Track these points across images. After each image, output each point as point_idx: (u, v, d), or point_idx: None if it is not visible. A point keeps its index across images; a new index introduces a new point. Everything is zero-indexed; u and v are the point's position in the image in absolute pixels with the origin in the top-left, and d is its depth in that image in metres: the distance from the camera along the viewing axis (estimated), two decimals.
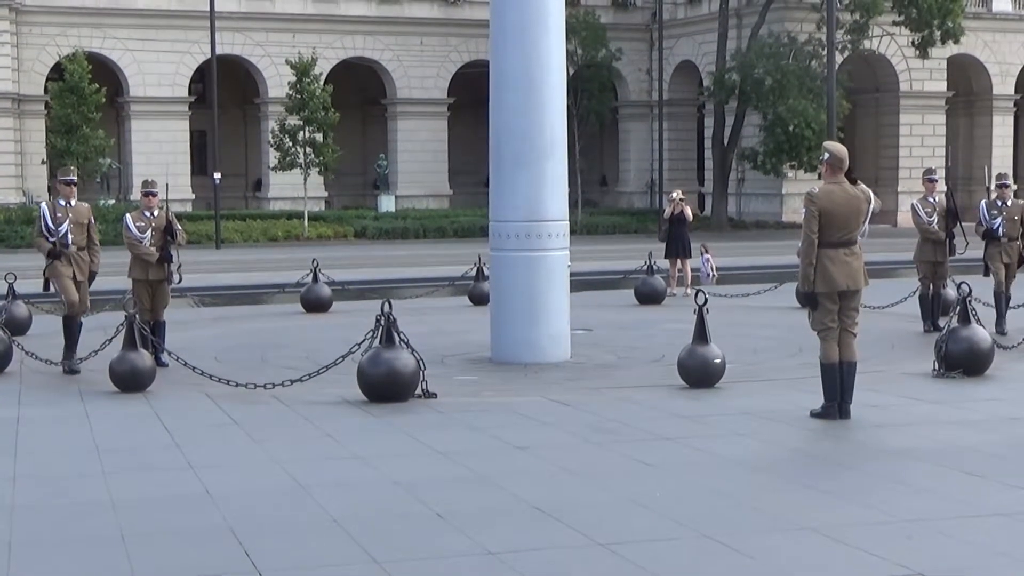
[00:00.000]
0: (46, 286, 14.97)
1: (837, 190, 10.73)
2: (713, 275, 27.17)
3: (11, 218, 45.15)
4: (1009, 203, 17.08)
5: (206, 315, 21.98)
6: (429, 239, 47.15)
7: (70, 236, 14.49)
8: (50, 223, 14.50)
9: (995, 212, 17.02)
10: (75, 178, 15.09)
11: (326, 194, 54.83)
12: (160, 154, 52.49)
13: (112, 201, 50.67)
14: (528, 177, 15.11)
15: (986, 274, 17.25)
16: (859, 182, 10.91)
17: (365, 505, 8.05)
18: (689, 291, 23.19)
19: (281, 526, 7.58)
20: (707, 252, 27.42)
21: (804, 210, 10.88)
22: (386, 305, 12.20)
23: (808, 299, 10.91)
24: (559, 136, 15.33)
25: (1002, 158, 56.66)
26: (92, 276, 14.89)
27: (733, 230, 50.41)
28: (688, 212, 24.64)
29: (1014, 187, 19.19)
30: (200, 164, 54.44)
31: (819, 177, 44.02)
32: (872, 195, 11.01)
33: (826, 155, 10.85)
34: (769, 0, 50.71)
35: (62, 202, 14.68)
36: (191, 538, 7.39)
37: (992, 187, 17.60)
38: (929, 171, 18.24)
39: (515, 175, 15.16)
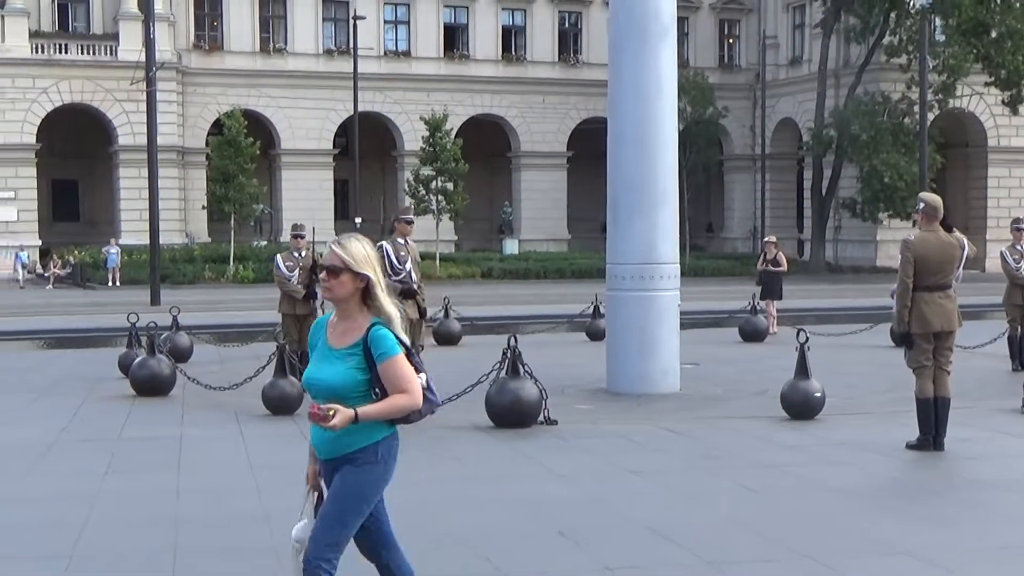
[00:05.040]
0: None
1: (932, 237, 10.53)
2: None
3: (175, 257, 46.05)
4: None
5: None
6: (549, 279, 47.16)
7: (413, 275, 13.48)
8: (396, 262, 13.42)
9: (1018, 258, 15.17)
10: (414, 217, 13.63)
11: (456, 237, 55.16)
12: (307, 200, 53.42)
13: (264, 243, 51.59)
14: (643, 224, 15.06)
15: None
16: (954, 229, 10.69)
17: (491, 522, 8.03)
18: (774, 330, 22.97)
19: (413, 540, 7.53)
20: None
21: (900, 256, 10.69)
22: (512, 339, 12.23)
23: (903, 339, 10.71)
24: (671, 187, 15.27)
25: None
26: (424, 313, 13.85)
27: (830, 274, 49.78)
28: (781, 258, 24.32)
29: None
30: (343, 210, 55.13)
31: (913, 224, 42.92)
32: (966, 242, 10.79)
33: (922, 204, 10.64)
34: (865, 62, 50.22)
35: (401, 240, 13.60)
36: None
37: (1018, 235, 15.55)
38: (1017, 220, 17.64)
39: (631, 222, 15.12)
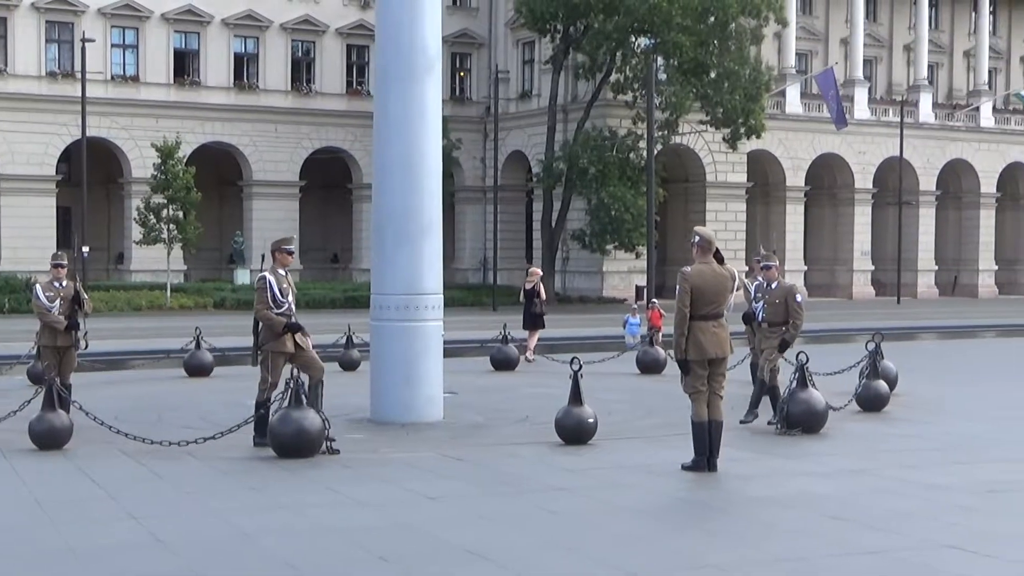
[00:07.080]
0: (256, 361, 12.85)
1: (707, 269, 11.11)
2: None
3: None
4: (774, 286, 14.84)
5: (96, 379, 21.47)
6: None
7: (293, 306, 12.80)
8: (278, 294, 12.64)
9: (759, 295, 15.15)
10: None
11: (185, 267, 54.04)
12: (27, 228, 51.60)
13: None
14: (408, 254, 15.28)
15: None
16: (725, 262, 11.32)
17: (312, 551, 8.05)
18: (532, 358, 23.87)
19: (243, 571, 7.55)
20: None
21: (678, 286, 11.22)
22: (295, 370, 12.25)
23: (681, 365, 11.25)
24: (436, 216, 15.54)
25: (794, 242, 58.74)
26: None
27: (560, 304, 50.98)
28: (540, 288, 25.29)
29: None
30: (65, 238, 53.20)
31: (636, 257, 44.36)
32: (736, 273, 11.44)
33: (697, 238, 11.20)
34: (593, 99, 51.90)
35: (282, 271, 12.84)
36: None
37: (757, 267, 15.67)
38: (759, 255, 18.53)
39: (396, 252, 15.31)
